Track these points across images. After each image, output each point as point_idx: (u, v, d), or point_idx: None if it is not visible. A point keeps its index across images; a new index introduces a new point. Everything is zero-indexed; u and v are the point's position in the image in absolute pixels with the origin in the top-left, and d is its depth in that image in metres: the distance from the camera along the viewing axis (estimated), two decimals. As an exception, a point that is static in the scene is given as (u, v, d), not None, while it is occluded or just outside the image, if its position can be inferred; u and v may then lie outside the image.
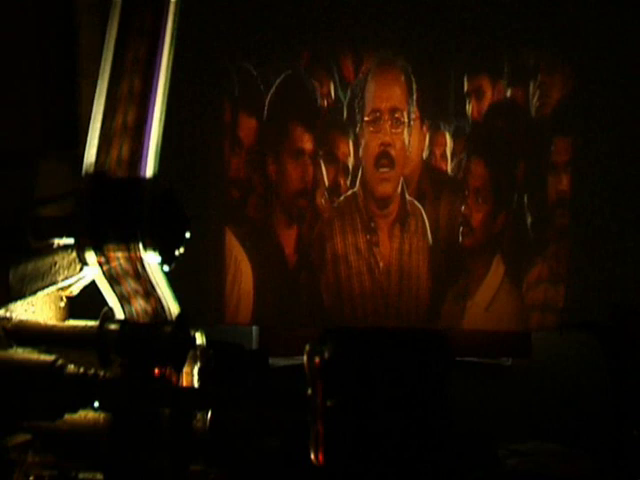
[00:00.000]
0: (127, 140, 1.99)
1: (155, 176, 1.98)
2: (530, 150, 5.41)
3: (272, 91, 5.39)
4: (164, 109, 2.03)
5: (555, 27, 5.29)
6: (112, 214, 1.94)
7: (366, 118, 5.43)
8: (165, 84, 2.03)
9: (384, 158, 5.45)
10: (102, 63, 2.03)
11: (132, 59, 2.03)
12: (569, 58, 5.34)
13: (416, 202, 5.47)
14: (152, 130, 2.00)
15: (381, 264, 5.52)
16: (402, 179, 5.46)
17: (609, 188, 5.24)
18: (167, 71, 2.04)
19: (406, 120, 5.43)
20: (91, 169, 1.97)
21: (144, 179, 1.97)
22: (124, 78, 2.02)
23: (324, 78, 5.42)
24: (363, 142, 5.43)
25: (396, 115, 5.43)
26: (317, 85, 5.42)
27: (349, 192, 5.46)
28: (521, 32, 5.32)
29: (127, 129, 1.99)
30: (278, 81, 5.38)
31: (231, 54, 5.37)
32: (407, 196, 5.47)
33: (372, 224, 5.52)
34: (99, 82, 2.02)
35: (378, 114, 5.43)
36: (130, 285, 2.03)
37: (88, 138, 1.99)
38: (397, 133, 5.44)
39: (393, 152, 5.44)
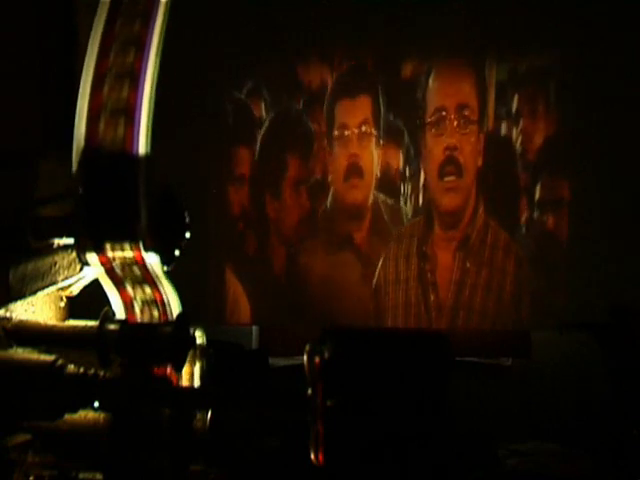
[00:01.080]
0: (118, 115, 1.97)
1: (147, 154, 1.97)
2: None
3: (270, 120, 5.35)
4: (154, 89, 2.01)
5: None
6: (111, 210, 1.94)
7: (429, 119, 5.20)
8: (155, 62, 2.02)
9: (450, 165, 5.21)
10: (90, 40, 2.02)
11: (121, 37, 2.01)
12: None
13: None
14: (142, 107, 1.98)
15: (432, 297, 5.40)
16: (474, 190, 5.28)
17: (609, 187, 5.24)
18: (158, 50, 2.03)
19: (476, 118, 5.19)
20: (82, 143, 1.96)
21: (137, 154, 1.95)
22: (112, 53, 2.01)
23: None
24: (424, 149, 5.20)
25: (465, 113, 5.20)
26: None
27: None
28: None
29: (117, 103, 1.98)
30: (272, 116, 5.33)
31: (225, 84, 5.35)
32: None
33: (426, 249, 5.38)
34: (86, 58, 2.01)
35: (443, 113, 5.16)
36: (132, 285, 2.03)
37: (77, 112, 1.98)
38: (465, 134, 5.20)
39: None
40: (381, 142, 5.28)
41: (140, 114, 1.96)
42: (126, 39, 2.00)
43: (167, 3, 2.04)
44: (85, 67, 1.99)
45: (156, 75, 2.01)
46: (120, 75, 1.98)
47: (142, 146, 1.96)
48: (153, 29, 2.01)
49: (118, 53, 2.00)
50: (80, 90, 1.98)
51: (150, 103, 1.98)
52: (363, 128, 5.27)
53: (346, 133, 5.28)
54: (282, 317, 5.53)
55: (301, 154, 5.33)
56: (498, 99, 5.24)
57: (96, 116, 1.97)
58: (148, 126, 1.97)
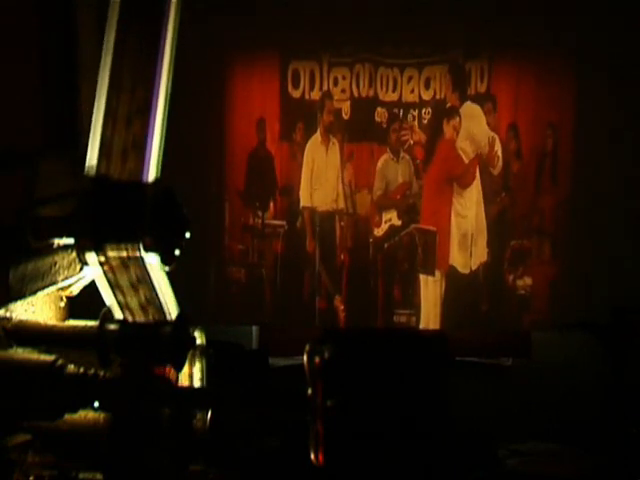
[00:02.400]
0: (129, 144, 1.98)
1: (156, 180, 1.98)
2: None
3: None
4: (166, 115, 2.02)
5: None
6: (113, 215, 1.94)
7: None
8: (167, 89, 2.02)
9: None
10: (101, 67, 2.02)
11: (132, 62, 2.02)
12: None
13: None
14: (154, 134, 1.99)
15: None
16: None
17: (609, 188, 5.24)
18: (168, 76, 2.03)
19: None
20: (92, 172, 1.97)
21: (146, 183, 1.96)
22: (124, 84, 2.01)
23: None
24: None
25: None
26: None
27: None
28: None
29: (129, 134, 1.99)
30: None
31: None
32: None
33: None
34: (98, 88, 2.01)
35: None
36: (130, 285, 2.02)
37: (89, 143, 1.99)
38: None
39: None
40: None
41: (151, 147, 1.97)
42: (136, 72, 2.00)
43: (174, 33, 2.04)
44: (97, 101, 1.99)
45: (167, 107, 2.01)
46: (132, 108, 1.98)
47: (152, 173, 1.97)
48: (162, 61, 2.01)
49: (128, 86, 1.99)
50: (92, 122, 1.99)
51: (161, 135, 1.99)
52: None
53: None
54: (282, 317, 5.54)
55: None
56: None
57: (108, 148, 1.97)
58: (159, 158, 1.98)
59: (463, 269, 5.49)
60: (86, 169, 1.97)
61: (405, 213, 5.52)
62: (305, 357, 1.95)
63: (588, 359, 4.94)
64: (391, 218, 5.50)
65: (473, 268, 5.47)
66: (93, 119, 1.99)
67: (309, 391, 1.93)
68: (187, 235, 2.06)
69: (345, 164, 5.48)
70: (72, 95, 2.30)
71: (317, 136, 5.47)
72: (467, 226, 5.48)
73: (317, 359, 1.93)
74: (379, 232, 5.52)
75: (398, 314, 5.55)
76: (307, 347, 1.96)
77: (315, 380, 1.92)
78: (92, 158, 1.97)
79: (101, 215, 1.94)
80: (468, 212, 5.47)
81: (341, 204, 5.51)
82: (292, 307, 5.53)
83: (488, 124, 5.41)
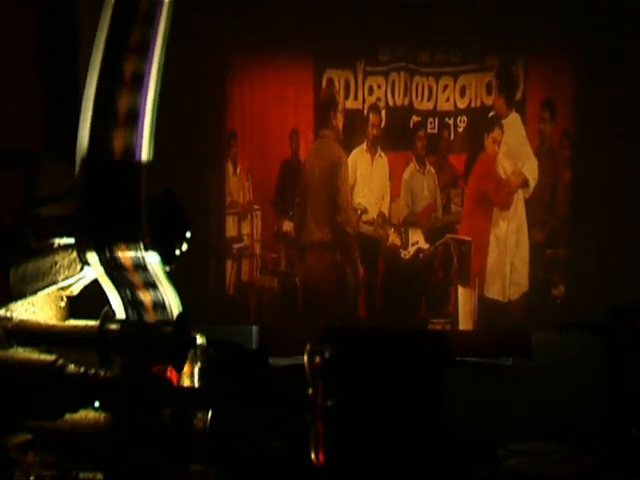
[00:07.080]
0: (121, 123, 1.97)
1: (149, 161, 1.97)
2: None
3: None
4: (157, 95, 2.01)
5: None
6: (112, 211, 1.94)
7: None
8: (159, 69, 2.02)
9: None
10: (94, 47, 2.01)
11: (125, 44, 2.01)
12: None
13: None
14: (146, 114, 1.98)
15: None
16: None
17: (609, 187, 5.24)
18: (161, 56, 2.02)
19: None
20: (85, 148, 1.96)
21: (139, 162, 1.95)
22: (116, 62, 2.00)
23: None
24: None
25: None
26: None
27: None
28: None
29: (121, 113, 1.98)
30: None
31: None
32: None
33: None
34: (91, 65, 2.00)
35: None
36: (132, 284, 2.03)
37: (80, 121, 1.97)
38: None
39: None
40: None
41: (143, 120, 1.96)
42: (129, 46, 2.00)
43: (169, 6, 2.03)
44: (89, 73, 1.99)
45: (159, 81, 2.00)
46: (124, 82, 1.98)
47: (145, 152, 1.96)
48: (156, 35, 2.00)
49: (122, 60, 1.99)
50: (84, 96, 1.98)
51: (154, 109, 1.98)
52: None
53: None
54: (282, 317, 5.54)
55: None
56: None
57: (100, 122, 1.97)
58: (151, 132, 1.97)
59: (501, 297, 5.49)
60: (77, 149, 1.95)
61: (432, 237, 5.49)
62: (305, 357, 1.95)
63: (588, 359, 4.94)
64: (418, 241, 5.48)
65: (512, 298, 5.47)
66: (86, 88, 1.98)
67: (309, 391, 1.93)
68: (188, 235, 2.06)
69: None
70: (72, 95, 2.30)
71: (363, 147, 5.45)
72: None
73: (317, 359, 1.93)
74: (406, 255, 5.48)
75: (433, 323, 5.52)
76: (307, 347, 1.96)
77: (315, 380, 1.92)
78: (84, 131, 1.96)
79: (100, 211, 1.94)
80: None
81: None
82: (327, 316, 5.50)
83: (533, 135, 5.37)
